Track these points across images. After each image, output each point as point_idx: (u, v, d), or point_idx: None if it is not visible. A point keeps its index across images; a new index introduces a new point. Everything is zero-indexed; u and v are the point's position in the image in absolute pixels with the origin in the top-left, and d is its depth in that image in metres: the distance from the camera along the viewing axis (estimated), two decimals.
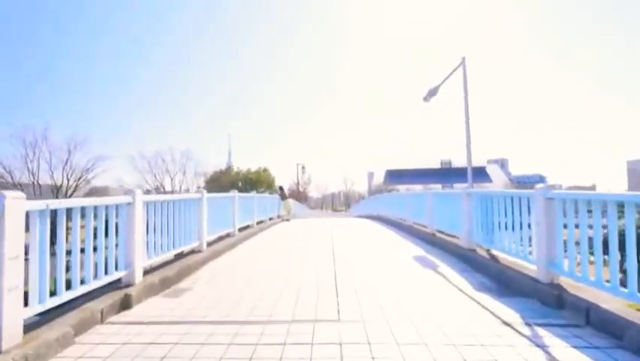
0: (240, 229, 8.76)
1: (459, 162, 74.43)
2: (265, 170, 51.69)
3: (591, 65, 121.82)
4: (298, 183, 47.32)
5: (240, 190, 40.70)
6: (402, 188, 65.44)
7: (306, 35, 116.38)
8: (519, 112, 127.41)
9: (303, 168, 42.51)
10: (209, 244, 6.19)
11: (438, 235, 7.30)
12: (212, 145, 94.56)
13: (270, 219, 13.46)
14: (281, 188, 16.97)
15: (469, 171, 10.88)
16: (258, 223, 10.81)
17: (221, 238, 7.19)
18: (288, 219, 14.76)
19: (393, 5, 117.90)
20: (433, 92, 9.18)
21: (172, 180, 42.86)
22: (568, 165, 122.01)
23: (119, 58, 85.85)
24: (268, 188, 45.45)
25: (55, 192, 29.83)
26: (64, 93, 76.41)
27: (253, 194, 10.99)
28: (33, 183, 29.39)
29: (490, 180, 64.75)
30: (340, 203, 76.66)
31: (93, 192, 36.95)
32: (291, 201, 16.74)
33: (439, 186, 67.49)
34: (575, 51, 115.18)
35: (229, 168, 50.62)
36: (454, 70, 9.56)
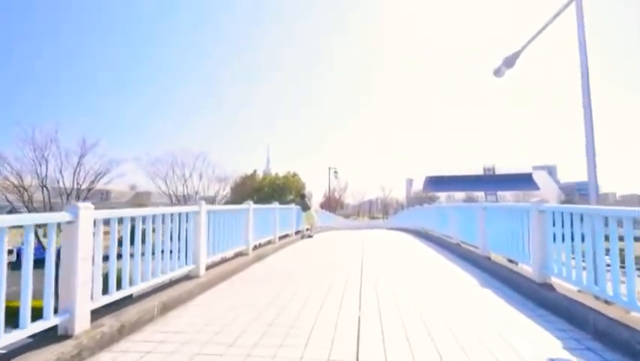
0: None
1: (503, 167, 72.16)
2: (294, 175, 47.90)
3: None
4: (330, 189, 44.44)
5: (266, 198, 37.37)
6: (442, 195, 64.37)
7: (344, 40, 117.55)
8: (568, 115, 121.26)
9: (335, 172, 39.21)
10: None
11: (493, 258, 5.99)
12: (250, 154, 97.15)
13: (284, 236, 10.20)
14: (302, 196, 14.38)
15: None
16: (254, 249, 7.23)
17: None
18: (310, 235, 12.41)
19: (432, 9, 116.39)
20: (509, 62, 6.96)
21: (184, 184, 39.15)
22: (625, 172, 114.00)
23: (162, 67, 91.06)
24: (297, 195, 44.30)
25: (66, 196, 29.27)
26: (106, 99, 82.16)
27: (247, 206, 6.96)
28: (42, 186, 28.43)
29: (537, 188, 62.07)
30: (377, 210, 76.10)
31: (92, 195, 38.23)
32: (315, 211, 13.83)
33: (481, 193, 65.73)
34: (628, 52, 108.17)
35: (254, 174, 47.05)
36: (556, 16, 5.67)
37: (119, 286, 3.31)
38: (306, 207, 12.92)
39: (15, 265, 3.48)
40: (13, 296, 2.43)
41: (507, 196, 58.50)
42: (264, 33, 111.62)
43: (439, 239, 9.89)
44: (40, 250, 2.91)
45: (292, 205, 11.95)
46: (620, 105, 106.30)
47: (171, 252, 4.22)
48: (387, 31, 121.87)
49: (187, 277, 4.56)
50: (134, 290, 3.53)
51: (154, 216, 3.95)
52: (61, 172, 29.79)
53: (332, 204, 59.28)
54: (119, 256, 3.31)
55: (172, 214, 4.27)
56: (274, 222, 9.08)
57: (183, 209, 4.65)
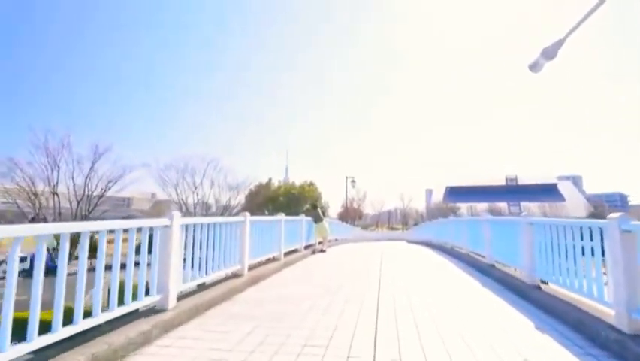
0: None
1: (526, 178, 71.40)
2: (311, 184, 46.89)
3: None
4: (347, 199, 42.05)
5: (282, 208, 37.27)
6: (463, 206, 64.10)
7: (364, 48, 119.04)
8: (593, 124, 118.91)
9: (353, 181, 37.14)
10: None
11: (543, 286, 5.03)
12: (265, 162, 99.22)
13: (292, 252, 9.35)
14: (314, 206, 13.25)
15: None
16: (251, 269, 6.26)
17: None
18: (322, 250, 11.57)
19: (452, 17, 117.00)
20: (549, 54, 6.45)
21: (194, 191, 37.01)
22: None
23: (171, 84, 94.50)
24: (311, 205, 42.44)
25: (77, 203, 28.66)
26: (120, 106, 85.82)
27: (243, 217, 6.17)
28: (53, 193, 27.91)
29: (562, 199, 61.28)
30: (397, 221, 76.24)
31: (115, 203, 37.93)
32: (328, 223, 12.72)
33: (504, 204, 65.22)
34: None
35: (269, 182, 45.54)
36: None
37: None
38: (318, 219, 11.82)
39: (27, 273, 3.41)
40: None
41: (531, 208, 57.88)
42: (278, 38, 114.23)
43: (468, 257, 8.67)
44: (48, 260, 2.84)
45: (301, 216, 10.74)
46: None
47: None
48: (409, 40, 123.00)
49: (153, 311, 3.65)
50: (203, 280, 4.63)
51: (214, 225, 5.07)
52: (72, 178, 29.36)
53: (350, 214, 59.92)
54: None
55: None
56: (279, 236, 8.08)
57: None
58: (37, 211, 27.01)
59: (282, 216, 8.53)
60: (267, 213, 36.48)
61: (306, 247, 10.84)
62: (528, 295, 4.85)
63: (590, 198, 68.66)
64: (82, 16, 78.10)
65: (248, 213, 6.33)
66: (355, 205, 65.06)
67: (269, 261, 7.49)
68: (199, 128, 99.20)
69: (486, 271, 6.92)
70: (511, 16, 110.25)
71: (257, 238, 6.69)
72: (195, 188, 36.86)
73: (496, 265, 7.01)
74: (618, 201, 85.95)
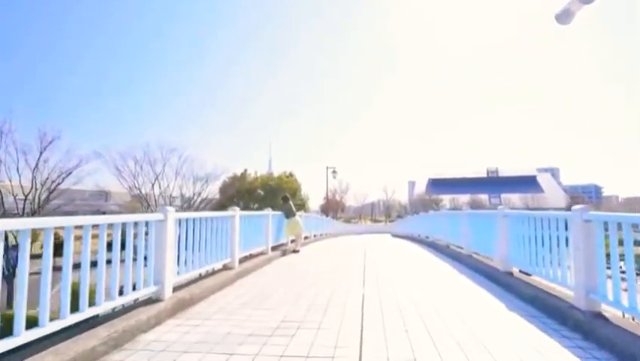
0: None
1: (506, 170, 73.60)
2: (290, 175, 45.21)
3: None
4: (328, 190, 40.13)
5: (260, 201, 37.75)
6: (446, 198, 65.60)
7: (348, 42, 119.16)
8: (570, 117, 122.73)
9: (334, 172, 35.76)
10: None
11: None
12: (250, 156, 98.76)
13: (251, 256, 7.62)
14: (285, 198, 11.34)
15: None
16: (177, 289, 4.47)
17: None
18: (295, 250, 10.25)
19: (439, 14, 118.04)
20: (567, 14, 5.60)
21: (153, 183, 33.18)
22: (625, 174, 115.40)
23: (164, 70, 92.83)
24: (293, 197, 39.92)
25: (23, 200, 25.82)
26: (112, 106, 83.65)
27: (162, 215, 4.17)
28: None
29: (541, 190, 63.50)
30: (380, 213, 77.34)
31: (91, 196, 36.37)
32: (302, 218, 11.56)
33: (485, 196, 67.12)
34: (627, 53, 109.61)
35: (245, 173, 43.01)
36: None
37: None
38: (289, 214, 10.52)
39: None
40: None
41: (513, 199, 59.67)
42: (265, 34, 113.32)
43: (459, 255, 8.20)
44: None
45: (266, 211, 9.02)
46: (622, 107, 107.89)
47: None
48: (391, 33, 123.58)
49: None
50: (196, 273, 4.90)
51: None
52: (17, 170, 25.99)
53: (332, 206, 60.45)
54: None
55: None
56: (230, 238, 6.23)
57: None
58: None
59: (236, 212, 6.48)
60: (240, 206, 35.82)
61: (275, 248, 9.42)
62: (501, 281, 5.36)
63: (567, 190, 71.45)
64: None
65: (172, 209, 4.32)
66: (338, 197, 65.68)
67: (219, 271, 5.79)
68: (181, 124, 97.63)
69: (466, 262, 7.43)
70: (499, 11, 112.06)
71: (189, 244, 4.80)
72: (155, 179, 33.35)
73: (473, 255, 7.55)
74: (593, 193, 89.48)
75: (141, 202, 32.42)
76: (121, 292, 3.52)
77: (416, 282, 5.88)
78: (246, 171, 43.58)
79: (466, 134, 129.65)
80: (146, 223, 4.00)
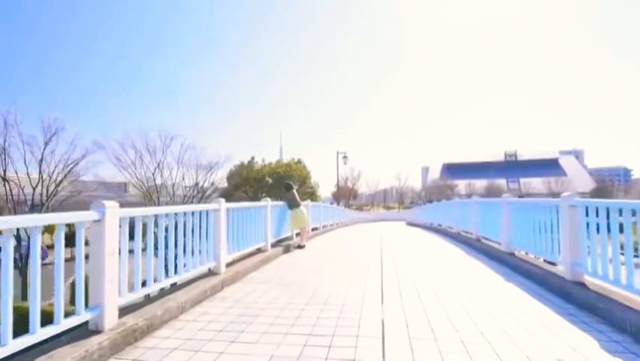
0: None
1: (526, 153, 71.21)
2: (298, 162, 43.41)
3: None
4: (338, 176, 37.29)
5: (268, 189, 36.80)
6: (461, 184, 63.95)
7: (360, 26, 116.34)
8: (595, 98, 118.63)
9: (344, 157, 33.70)
10: None
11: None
12: (261, 144, 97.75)
13: (256, 252, 6.95)
14: (287, 186, 9.87)
15: None
16: (127, 312, 3.30)
17: None
18: (300, 245, 9.07)
19: None
20: None
21: (155, 170, 31.63)
22: None
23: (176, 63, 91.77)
24: (302, 185, 39.16)
25: (32, 191, 25.83)
26: (125, 94, 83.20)
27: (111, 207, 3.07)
28: (3, 179, 24.75)
29: (564, 174, 61.23)
30: (393, 200, 76.05)
31: (110, 188, 35.25)
32: (306, 208, 10.16)
33: (503, 181, 65.13)
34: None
35: (252, 161, 41.42)
36: None
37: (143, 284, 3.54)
38: (293, 204, 9.39)
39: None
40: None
41: (533, 183, 57.66)
42: (273, 20, 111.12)
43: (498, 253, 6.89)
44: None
45: (264, 201, 7.74)
46: None
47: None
48: (404, 16, 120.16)
49: None
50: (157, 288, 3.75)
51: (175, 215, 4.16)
52: (25, 162, 26.06)
53: (344, 194, 59.38)
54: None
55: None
56: (211, 239, 4.97)
57: None
58: None
59: (221, 204, 5.23)
60: (247, 195, 34.95)
61: (277, 243, 8.35)
62: (505, 261, 6.28)
63: (592, 173, 68.78)
64: None
65: (113, 202, 3.10)
66: (349, 185, 64.50)
67: (192, 281, 4.51)
68: (192, 112, 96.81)
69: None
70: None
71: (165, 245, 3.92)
72: (156, 168, 31.95)
73: (482, 239, 8.30)
74: (622, 176, 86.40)
75: (150, 194, 31.42)
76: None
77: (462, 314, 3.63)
78: (253, 158, 42.25)
79: (481, 118, 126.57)
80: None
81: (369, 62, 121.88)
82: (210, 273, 4.95)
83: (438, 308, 3.71)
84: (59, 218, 2.78)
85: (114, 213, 3.11)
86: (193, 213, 4.59)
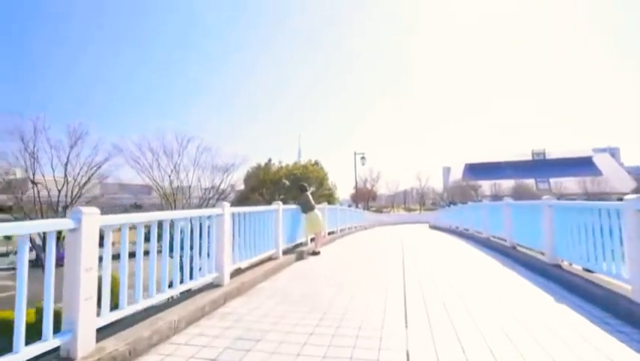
0: None
1: (555, 152, 68.51)
2: (315, 163, 42.69)
3: None
4: (356, 177, 35.86)
5: (286, 191, 36.25)
6: (485, 184, 62.18)
7: (378, 23, 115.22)
8: (627, 94, 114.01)
9: (362, 158, 32.73)
10: None
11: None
12: (279, 146, 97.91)
13: (266, 259, 6.53)
14: (302, 188, 9.33)
15: None
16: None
17: None
18: (315, 251, 8.59)
19: None
20: None
21: (171, 173, 31.88)
22: None
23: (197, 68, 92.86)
24: (320, 187, 38.80)
25: (57, 193, 26.60)
26: (143, 100, 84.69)
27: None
28: (32, 182, 25.78)
29: (599, 173, 58.60)
30: (413, 201, 74.69)
31: (138, 190, 36.25)
32: (320, 212, 9.29)
33: (531, 181, 62.91)
34: None
35: (269, 163, 40.90)
36: None
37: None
38: (307, 207, 8.77)
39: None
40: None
41: (565, 183, 55.40)
42: (291, 22, 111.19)
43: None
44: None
45: (275, 205, 7.13)
46: None
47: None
48: (423, 14, 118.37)
49: None
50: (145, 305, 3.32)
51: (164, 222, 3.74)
52: (52, 166, 27.33)
53: (363, 195, 58.55)
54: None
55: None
56: (213, 248, 4.57)
57: None
58: (18, 201, 25.50)
59: (224, 209, 4.71)
60: (263, 198, 34.70)
61: (290, 250, 7.85)
62: (550, 274, 5.40)
63: (630, 172, 65.52)
64: None
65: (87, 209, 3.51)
66: (368, 186, 63.62)
67: (193, 293, 4.14)
68: (210, 116, 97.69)
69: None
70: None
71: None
72: (173, 169, 32.19)
73: (517, 247, 7.53)
74: None
75: (166, 197, 31.62)
76: None
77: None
78: (270, 160, 41.80)
79: (504, 116, 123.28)
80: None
81: (386, 61, 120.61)
82: (213, 284, 4.50)
83: (475, 337, 3.09)
84: (27, 227, 2.39)
85: (93, 220, 2.71)
86: (192, 219, 4.18)
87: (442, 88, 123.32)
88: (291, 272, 6.32)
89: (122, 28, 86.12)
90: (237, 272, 5.29)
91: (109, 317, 2.86)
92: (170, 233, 3.72)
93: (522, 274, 5.88)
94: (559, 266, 5.55)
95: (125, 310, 3.03)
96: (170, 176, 32.08)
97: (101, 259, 2.83)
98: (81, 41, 78.66)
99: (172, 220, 3.79)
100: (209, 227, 4.49)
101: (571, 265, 5.43)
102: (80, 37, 77.83)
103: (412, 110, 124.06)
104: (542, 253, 6.22)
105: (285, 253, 7.38)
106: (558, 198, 6.70)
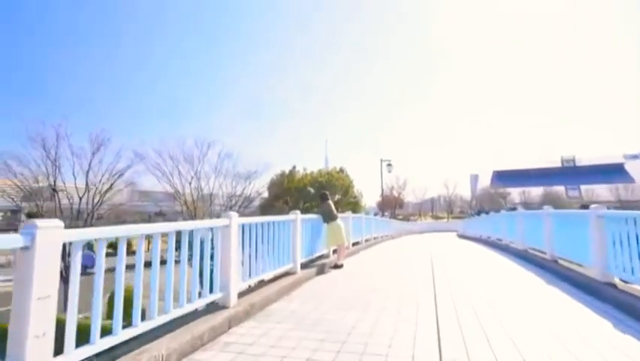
0: None
1: (585, 158, 65.64)
2: (340, 171, 41.36)
3: None
4: (382, 184, 34.29)
5: (311, 199, 34.81)
6: (514, 192, 60.06)
7: (402, 28, 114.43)
8: None
9: (389, 165, 31.45)
10: None
11: None
12: (304, 154, 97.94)
13: (283, 274, 5.89)
14: (323, 196, 8.46)
15: None
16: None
17: None
18: (337, 265, 7.83)
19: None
20: None
21: (191, 180, 31.51)
22: None
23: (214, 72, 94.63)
24: (345, 194, 37.83)
25: (79, 201, 26.41)
26: (161, 103, 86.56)
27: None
28: (53, 190, 25.49)
29: (631, 180, 55.70)
30: (441, 209, 72.87)
31: (165, 198, 36.57)
32: (342, 222, 8.48)
33: (561, 188, 60.41)
34: None
35: (293, 170, 39.73)
36: None
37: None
38: (329, 217, 8.08)
39: None
40: None
41: (597, 191, 52.94)
42: (313, 24, 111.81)
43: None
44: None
45: (293, 215, 6.43)
46: None
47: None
48: (448, 16, 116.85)
49: None
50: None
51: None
52: (73, 173, 26.90)
53: (390, 203, 57.43)
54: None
55: None
56: (218, 264, 3.93)
57: None
58: (38, 209, 25.05)
59: (232, 219, 4.13)
60: (288, 206, 34.01)
61: (310, 263, 7.22)
62: (601, 294, 4.62)
63: None
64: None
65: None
66: (395, 193, 62.39)
67: (193, 316, 3.51)
68: (232, 124, 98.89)
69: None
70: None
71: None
72: (193, 176, 31.68)
73: (558, 260, 6.92)
74: None
75: (186, 205, 31.15)
76: None
77: None
78: (294, 167, 40.62)
79: (533, 122, 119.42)
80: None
81: (412, 66, 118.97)
82: (217, 306, 3.90)
83: None
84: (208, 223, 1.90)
85: (51, 236, 2.17)
86: (192, 232, 3.60)
87: (469, 92, 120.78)
88: (308, 290, 5.64)
89: (146, 33, 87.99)
90: (248, 290, 4.67)
91: (73, 355, 2.30)
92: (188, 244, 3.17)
93: (567, 291, 5.11)
94: (612, 285, 4.75)
95: (96, 346, 2.46)
96: (190, 183, 31.78)
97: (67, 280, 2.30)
98: (108, 53, 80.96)
99: (165, 233, 3.24)
100: (212, 240, 3.91)
101: (627, 283, 4.64)
102: (106, 47, 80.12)
103: (438, 116, 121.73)
104: (588, 269, 5.47)
105: (305, 266, 6.78)
106: (583, 206, 5.87)
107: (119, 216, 30.10)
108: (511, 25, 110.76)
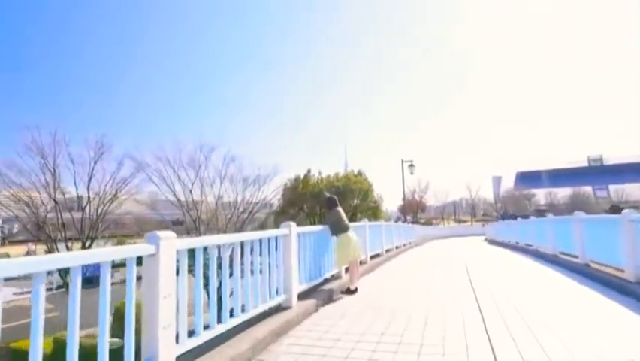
0: None
1: (613, 157, 63.67)
2: (359, 174, 38.17)
3: None
4: (404, 186, 30.60)
5: (320, 206, 31.14)
6: (539, 193, 58.77)
7: (424, 30, 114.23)
8: None
9: (410, 165, 28.96)
10: None
11: None
12: (323, 159, 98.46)
13: (274, 311, 4.15)
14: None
15: None
16: None
17: None
18: (350, 289, 6.03)
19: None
20: None
21: (192, 185, 29.28)
22: None
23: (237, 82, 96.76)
24: (365, 199, 35.63)
25: (78, 207, 24.99)
26: (178, 108, 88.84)
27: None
28: (54, 200, 23.93)
29: None
30: (464, 212, 71.76)
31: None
32: (354, 234, 6.40)
33: (588, 188, 58.70)
34: None
35: (308, 175, 36.21)
36: None
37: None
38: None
39: None
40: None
41: (628, 190, 51.32)
42: (334, 27, 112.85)
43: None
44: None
45: (285, 229, 4.61)
46: None
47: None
48: (469, 20, 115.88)
49: None
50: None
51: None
52: (75, 183, 25.16)
53: (411, 207, 56.89)
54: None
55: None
56: (152, 308, 2.50)
57: None
58: (41, 223, 23.63)
59: (291, 228, 4.24)
60: (303, 212, 32.42)
61: (312, 291, 5.32)
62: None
63: None
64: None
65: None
66: (417, 197, 61.93)
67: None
68: (251, 130, 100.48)
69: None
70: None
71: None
72: (193, 184, 29.52)
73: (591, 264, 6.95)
74: None
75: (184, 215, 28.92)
76: None
77: None
78: (309, 171, 37.17)
79: (557, 121, 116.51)
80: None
81: (433, 67, 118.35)
82: (280, 307, 4.25)
83: None
84: (107, 254, 2.31)
85: (170, 246, 2.61)
86: (261, 241, 4.06)
87: (490, 92, 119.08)
88: (304, 337, 3.74)
89: (162, 39, 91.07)
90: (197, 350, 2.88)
91: (187, 344, 2.75)
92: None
93: (602, 292, 5.19)
94: None
95: (201, 338, 2.91)
96: (191, 191, 29.82)
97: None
98: (126, 58, 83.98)
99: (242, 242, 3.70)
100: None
101: None
102: (122, 52, 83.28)
103: (460, 118, 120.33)
104: (622, 271, 5.58)
105: (303, 297, 4.88)
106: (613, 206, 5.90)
107: (138, 225, 29.05)
108: (532, 24, 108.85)
